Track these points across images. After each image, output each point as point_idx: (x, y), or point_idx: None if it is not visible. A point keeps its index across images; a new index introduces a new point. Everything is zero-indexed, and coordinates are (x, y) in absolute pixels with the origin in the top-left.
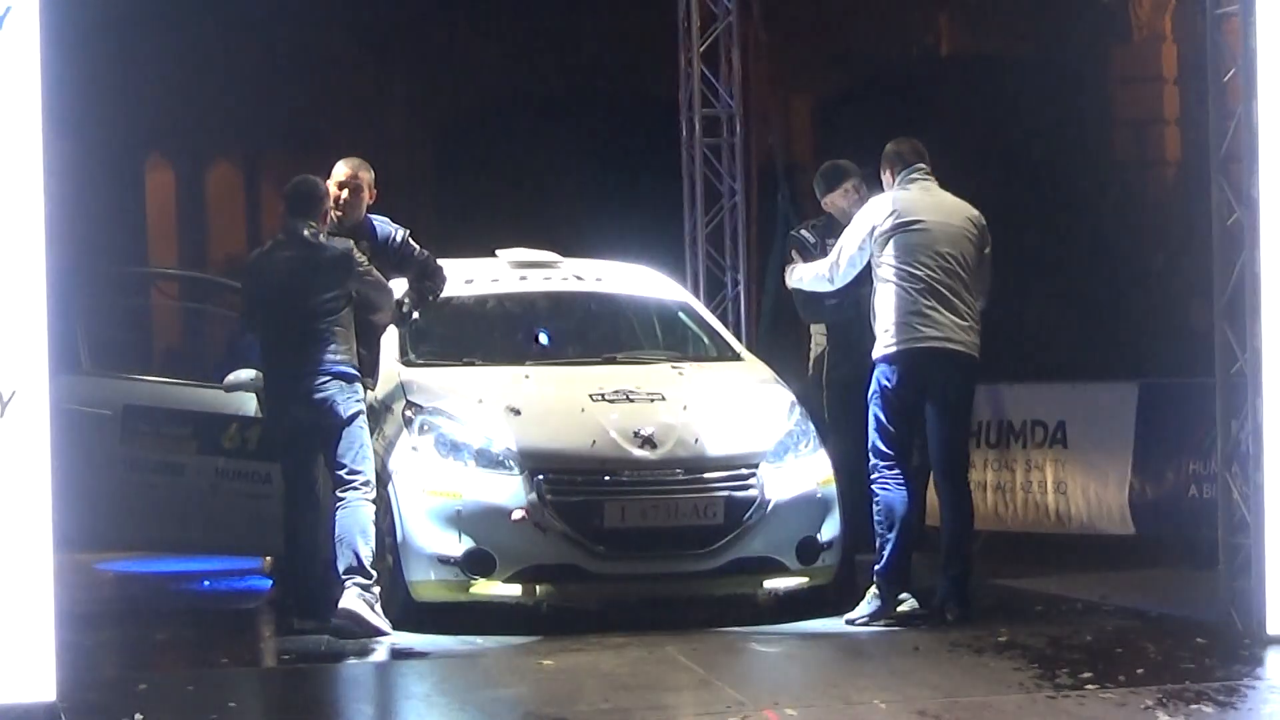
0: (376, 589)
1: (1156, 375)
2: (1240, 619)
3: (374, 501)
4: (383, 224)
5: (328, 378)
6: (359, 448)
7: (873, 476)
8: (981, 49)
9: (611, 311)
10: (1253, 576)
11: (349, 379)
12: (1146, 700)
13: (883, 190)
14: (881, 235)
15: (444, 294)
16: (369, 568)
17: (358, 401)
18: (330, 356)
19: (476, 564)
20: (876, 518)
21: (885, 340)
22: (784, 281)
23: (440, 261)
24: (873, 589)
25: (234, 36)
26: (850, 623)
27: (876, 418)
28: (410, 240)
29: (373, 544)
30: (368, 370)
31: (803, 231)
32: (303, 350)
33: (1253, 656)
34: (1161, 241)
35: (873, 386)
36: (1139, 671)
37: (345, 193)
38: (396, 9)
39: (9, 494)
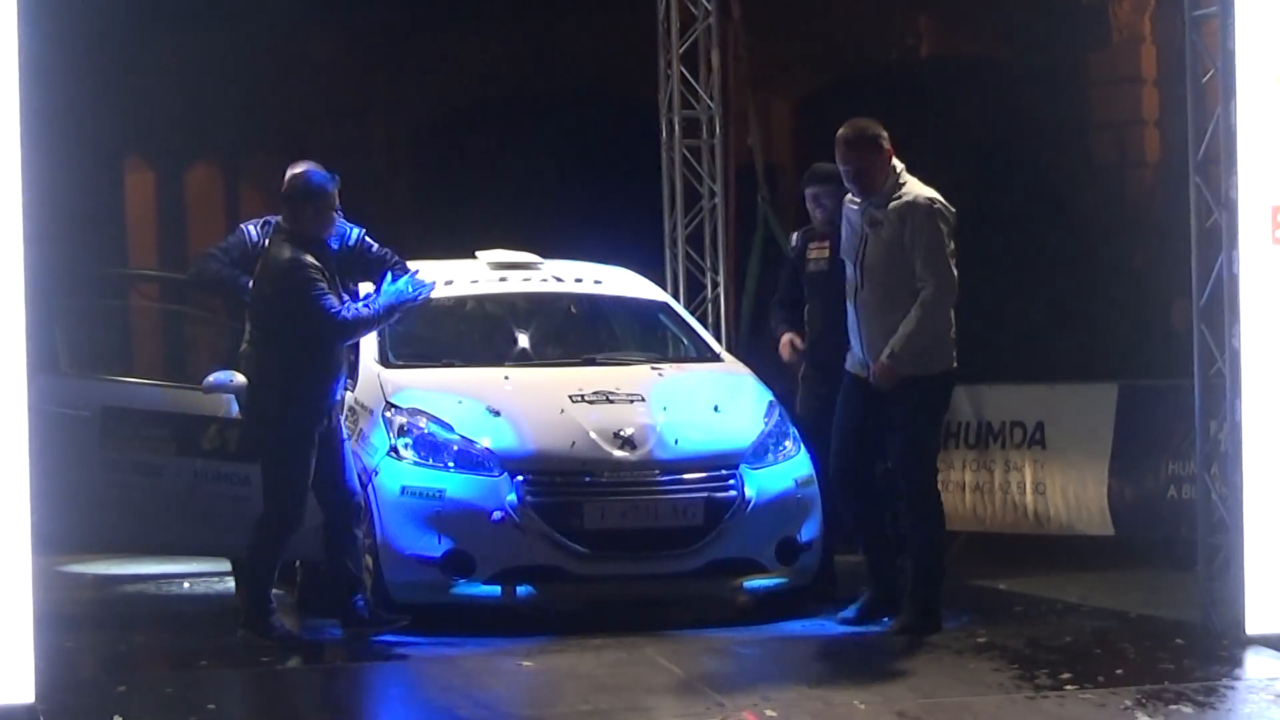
0: None
1: (1135, 376)
2: (1219, 619)
3: None
4: (341, 224)
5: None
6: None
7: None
8: (962, 50)
9: (591, 313)
10: (1231, 577)
11: None
12: (1125, 701)
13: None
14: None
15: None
16: None
17: None
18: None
19: (456, 565)
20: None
21: (945, 357)
22: (762, 282)
23: (420, 263)
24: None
25: (214, 39)
26: (844, 621)
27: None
28: (367, 238)
29: None
30: (347, 371)
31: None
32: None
33: (1231, 657)
34: (1140, 243)
35: (932, 403)
36: (1118, 672)
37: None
38: (377, 11)
39: None
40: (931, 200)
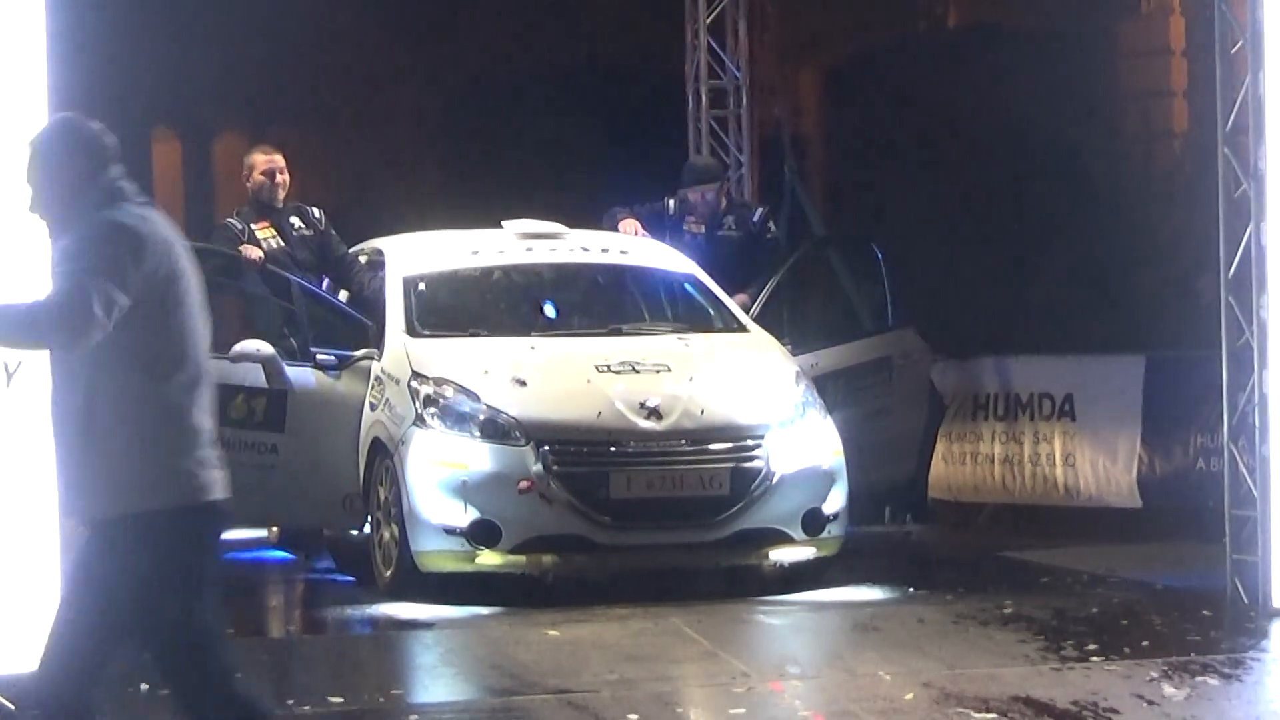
0: None
1: (1164, 348)
2: (1245, 591)
3: None
4: (302, 207)
5: None
6: None
7: None
8: (989, 21)
9: (617, 283)
10: (1258, 549)
11: None
12: (1151, 672)
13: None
14: None
15: (450, 266)
16: None
17: None
18: None
19: (482, 534)
20: None
21: None
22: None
23: (447, 232)
24: None
25: (240, 8)
26: None
27: None
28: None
29: None
30: (373, 341)
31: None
32: None
33: (1258, 629)
34: (1168, 214)
35: None
36: (1144, 644)
37: (273, 178)
38: None
39: (15, 463)
40: None
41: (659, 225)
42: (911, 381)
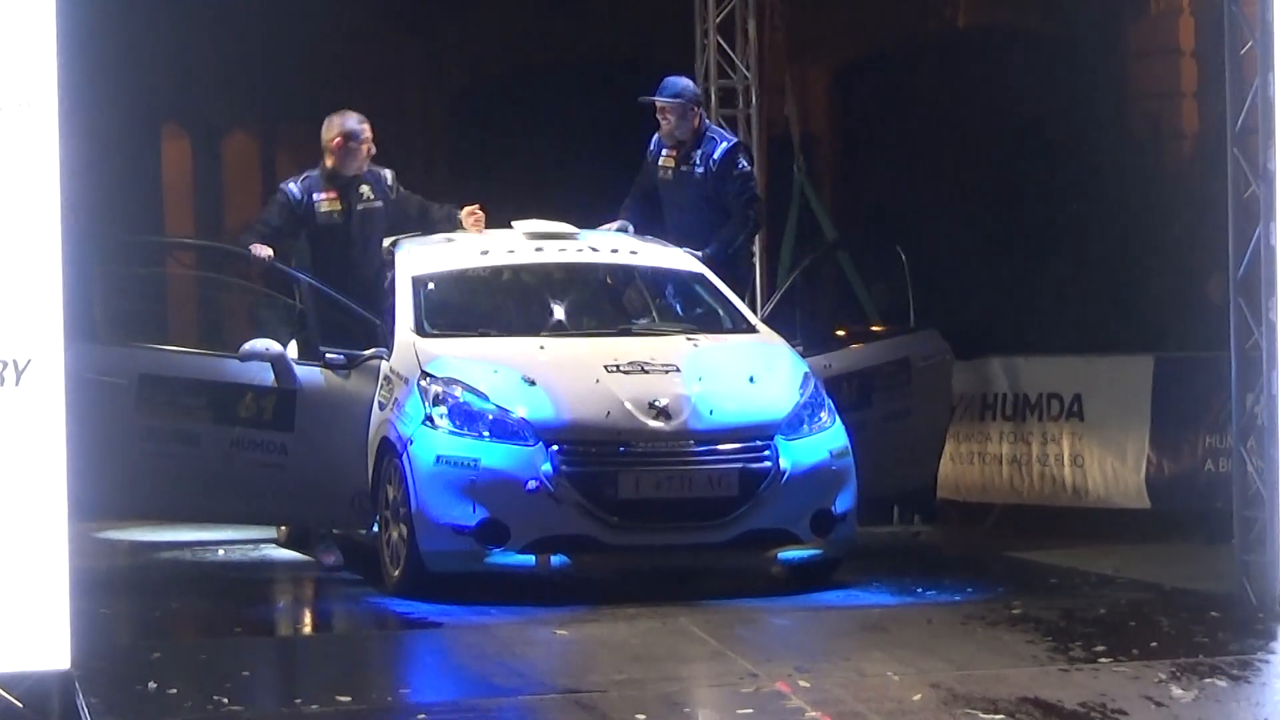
0: None
1: (1172, 349)
2: (1254, 592)
3: None
4: (375, 172)
5: None
6: None
7: None
8: (999, 21)
9: (627, 283)
10: (1266, 550)
11: None
12: (1160, 673)
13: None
14: None
15: (460, 265)
16: None
17: None
18: None
19: (491, 534)
20: None
21: None
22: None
23: (457, 234)
24: None
25: (250, 4)
26: None
27: None
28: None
29: None
30: (382, 340)
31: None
32: None
33: (1266, 630)
34: (1178, 214)
35: None
36: (1152, 645)
37: (349, 143)
38: None
39: (23, 462)
40: None
41: (650, 171)
42: (932, 383)
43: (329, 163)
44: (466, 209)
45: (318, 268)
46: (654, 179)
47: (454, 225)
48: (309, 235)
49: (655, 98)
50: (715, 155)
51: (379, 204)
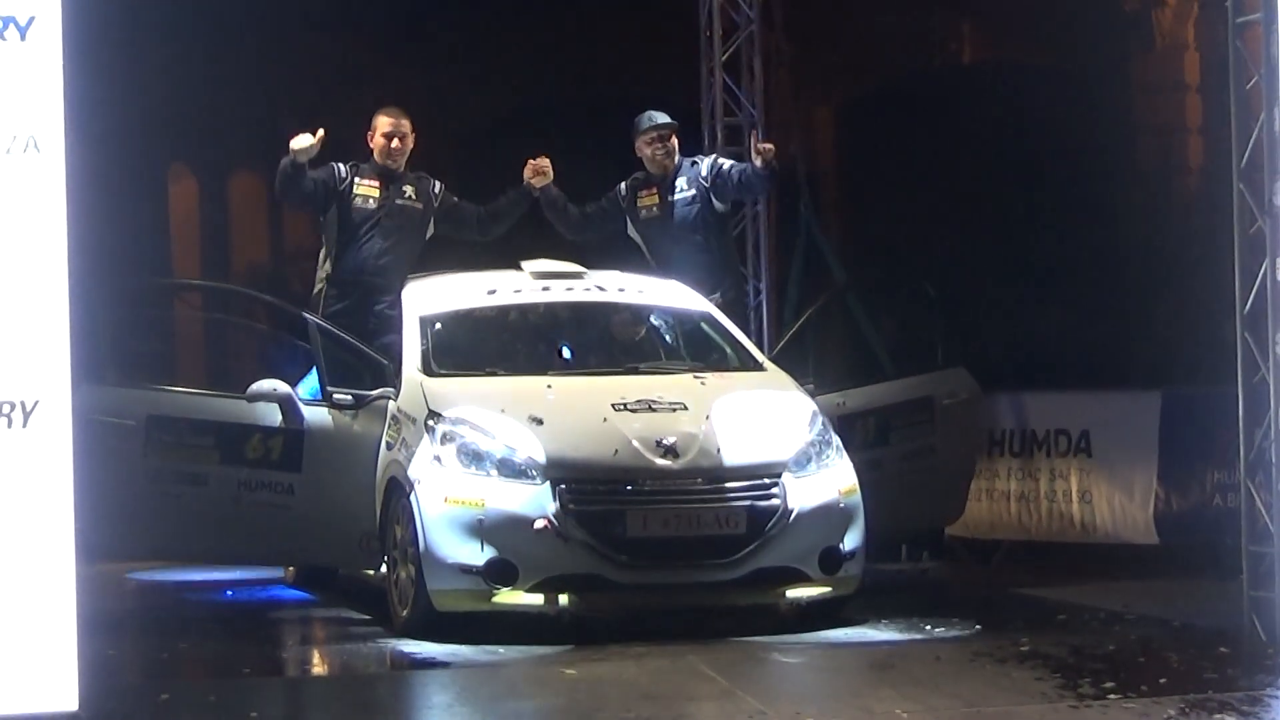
0: None
1: (1180, 384)
2: (1263, 628)
3: None
4: (424, 178)
5: None
6: None
7: None
8: (1004, 57)
9: (634, 322)
10: (1275, 586)
11: None
12: (1169, 710)
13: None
14: None
15: (467, 305)
16: None
17: None
18: None
19: (499, 573)
20: None
21: None
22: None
23: (464, 273)
24: None
25: (256, 46)
26: None
27: None
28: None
29: None
30: (389, 380)
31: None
32: None
33: (1276, 666)
34: (1184, 250)
35: None
36: (1161, 681)
37: (391, 141)
38: (417, 19)
39: (32, 503)
40: None
41: (614, 218)
42: (958, 422)
43: (375, 157)
44: (530, 163)
45: (338, 249)
46: (633, 222)
47: (525, 200)
48: (339, 213)
49: (665, 121)
50: (703, 171)
51: (418, 206)
